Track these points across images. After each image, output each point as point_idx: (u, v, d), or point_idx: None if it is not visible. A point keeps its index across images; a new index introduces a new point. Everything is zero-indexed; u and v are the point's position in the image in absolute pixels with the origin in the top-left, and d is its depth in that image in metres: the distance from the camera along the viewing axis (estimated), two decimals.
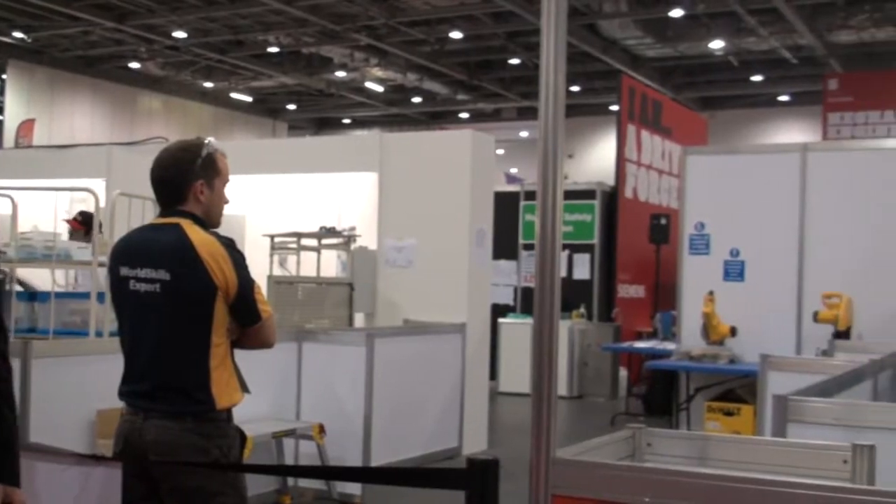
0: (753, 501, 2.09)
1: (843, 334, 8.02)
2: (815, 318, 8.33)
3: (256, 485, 6.23)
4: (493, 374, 12.18)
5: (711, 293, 8.87)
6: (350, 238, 9.67)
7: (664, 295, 12.88)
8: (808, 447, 2.72)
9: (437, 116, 28.60)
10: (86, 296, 7.06)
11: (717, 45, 19.41)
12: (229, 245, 3.37)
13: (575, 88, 23.67)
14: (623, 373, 13.21)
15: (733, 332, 8.92)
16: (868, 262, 8.32)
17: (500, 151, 23.70)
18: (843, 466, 2.56)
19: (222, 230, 3.48)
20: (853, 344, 7.40)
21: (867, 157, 8.93)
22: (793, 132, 23.83)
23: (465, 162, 9.18)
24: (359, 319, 9.42)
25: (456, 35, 19.60)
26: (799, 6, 16.71)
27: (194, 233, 3.33)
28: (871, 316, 8.22)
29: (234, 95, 26.39)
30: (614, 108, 16.35)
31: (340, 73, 23.09)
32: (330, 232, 9.75)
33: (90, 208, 7.81)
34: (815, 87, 20.67)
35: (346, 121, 30.49)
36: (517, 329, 13.13)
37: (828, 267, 8.71)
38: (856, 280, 8.39)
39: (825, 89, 19.43)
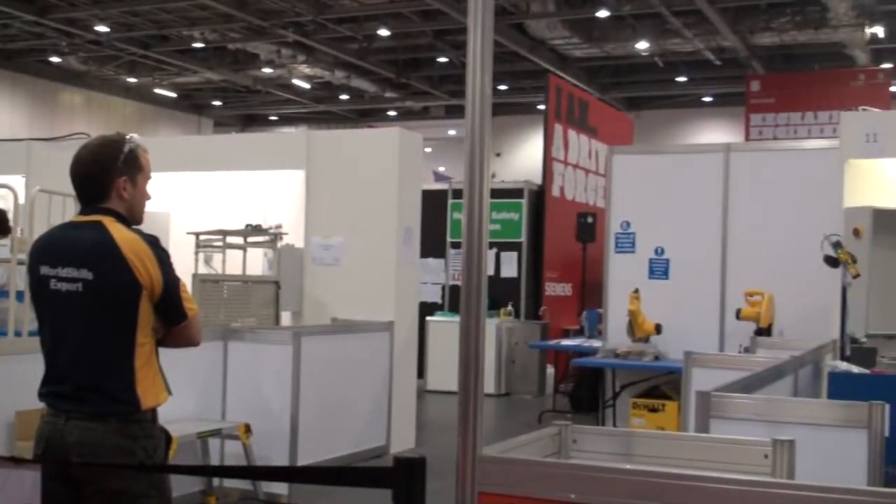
0: (677, 496, 2.12)
1: (764, 331, 8.16)
2: (738, 315, 8.47)
3: (181, 486, 6.16)
4: (421, 373, 12.20)
5: (637, 291, 8.97)
6: (276, 236, 9.60)
7: (591, 293, 12.98)
8: (729, 442, 2.76)
9: (364, 114, 28.52)
10: (4, 294, 6.91)
11: (642, 45, 19.64)
12: (153, 243, 3.32)
13: (503, 87, 23.79)
14: (550, 370, 13.29)
15: (658, 329, 9.04)
16: (789, 260, 8.48)
17: (428, 150, 23.67)
18: (763, 461, 2.60)
19: (146, 227, 3.42)
20: (774, 341, 7.54)
21: (788, 158, 9.09)
22: (716, 132, 24.21)
23: (392, 160, 9.16)
24: (285, 318, 9.36)
25: (384, 33, 19.56)
26: (722, 8, 16.98)
27: (117, 231, 3.28)
28: (791, 313, 8.38)
29: (158, 91, 26.00)
30: (542, 107, 16.45)
31: (267, 70, 22.89)
32: (256, 230, 9.67)
33: (9, 205, 7.63)
34: (738, 89, 21.02)
35: (273, 118, 30.26)
36: (445, 327, 13.13)
37: (750, 265, 8.86)
38: (777, 278, 8.55)
39: (747, 90, 19.77)
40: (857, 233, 7.55)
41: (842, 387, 5.13)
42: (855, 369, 5.49)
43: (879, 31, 17.91)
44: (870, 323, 7.47)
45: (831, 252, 6.39)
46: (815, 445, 3.20)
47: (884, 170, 7.95)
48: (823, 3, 16.79)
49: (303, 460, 7.24)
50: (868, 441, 3.59)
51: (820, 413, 3.74)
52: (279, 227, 9.69)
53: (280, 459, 7.09)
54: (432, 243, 13.45)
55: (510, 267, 14.25)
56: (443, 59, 22.19)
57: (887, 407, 3.69)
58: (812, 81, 19.58)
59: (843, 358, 6.09)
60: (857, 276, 6.31)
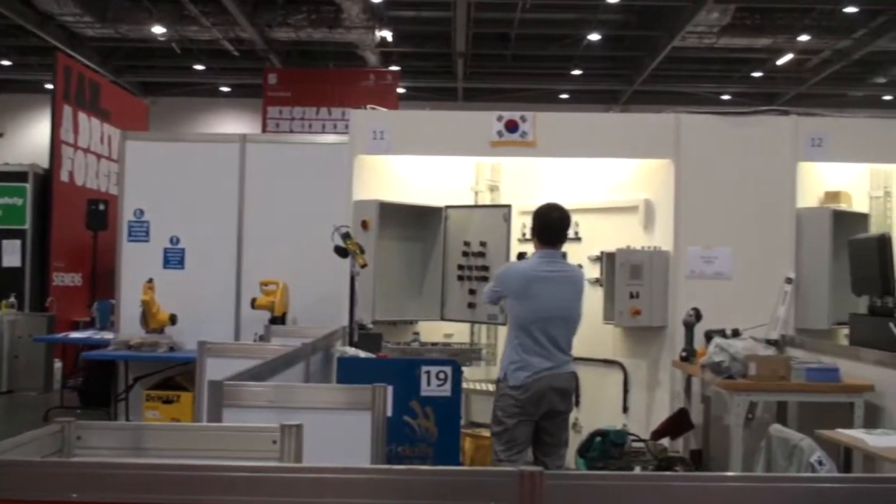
0: (185, 487, 2.07)
1: (279, 319, 8.36)
2: (253, 304, 8.61)
3: None
4: None
5: (151, 281, 8.84)
6: None
7: (102, 283, 12.55)
8: (240, 430, 2.77)
9: None
10: None
11: (159, 30, 19.24)
12: None
13: (7, 63, 22.29)
14: (59, 364, 12.68)
15: (173, 319, 8.96)
16: (302, 250, 8.73)
17: None
18: (273, 446, 2.64)
19: None
20: (288, 328, 7.73)
21: (303, 151, 9.42)
22: (235, 123, 24.39)
23: None
24: None
25: None
26: (241, 0, 17.10)
27: None
28: (305, 301, 8.66)
29: None
30: (49, 86, 15.59)
31: None
32: None
33: None
34: (257, 81, 21.30)
35: None
36: None
37: (265, 254, 9.06)
38: (291, 267, 8.80)
39: (265, 83, 20.06)
40: (364, 225, 7.92)
41: (349, 371, 5.37)
42: (362, 354, 5.77)
43: (389, 35, 19.05)
44: (376, 310, 7.89)
45: (341, 243, 6.65)
46: (324, 428, 3.30)
47: (389, 166, 8.44)
48: (338, 4, 17.51)
49: None
50: (372, 422, 3.76)
51: (328, 397, 3.87)
52: None
53: None
54: None
55: (13, 256, 13.41)
56: None
57: (390, 389, 3.90)
58: (326, 78, 20.28)
59: (352, 344, 6.37)
60: (364, 265, 6.61)
